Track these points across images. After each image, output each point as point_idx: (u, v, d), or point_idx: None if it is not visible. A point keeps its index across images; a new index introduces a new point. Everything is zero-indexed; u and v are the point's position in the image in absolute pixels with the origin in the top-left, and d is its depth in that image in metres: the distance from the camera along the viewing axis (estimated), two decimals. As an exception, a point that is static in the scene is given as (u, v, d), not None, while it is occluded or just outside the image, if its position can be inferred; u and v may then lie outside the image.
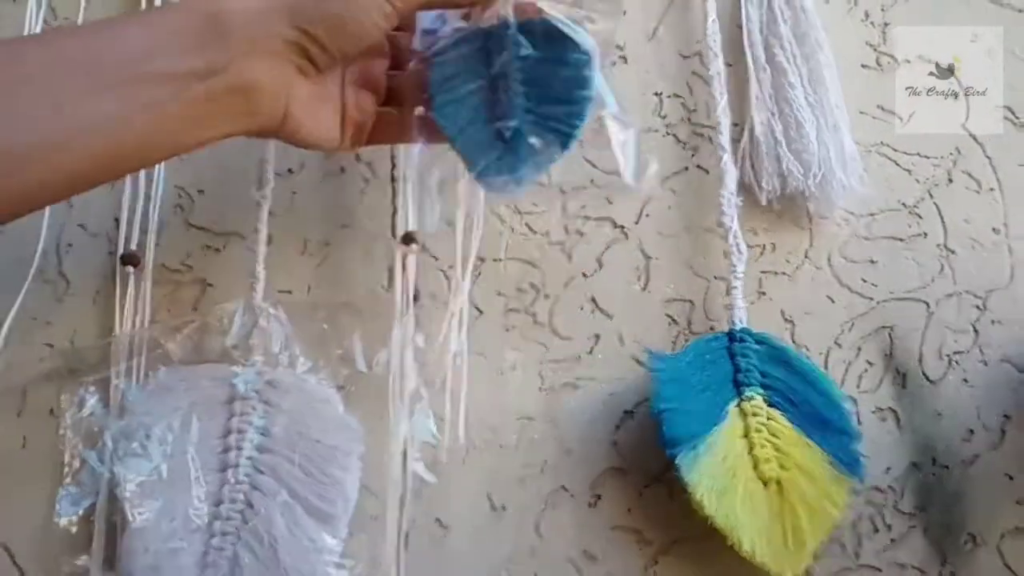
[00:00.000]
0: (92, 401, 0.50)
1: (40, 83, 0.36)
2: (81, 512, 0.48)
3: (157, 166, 0.55)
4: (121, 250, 0.53)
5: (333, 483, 0.46)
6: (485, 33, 0.46)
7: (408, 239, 0.53)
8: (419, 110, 0.47)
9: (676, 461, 0.46)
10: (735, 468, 0.47)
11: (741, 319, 0.51)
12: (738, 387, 0.49)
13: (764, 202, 0.55)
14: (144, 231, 0.54)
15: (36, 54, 0.37)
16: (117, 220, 0.55)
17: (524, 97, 0.45)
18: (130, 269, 0.53)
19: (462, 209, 0.52)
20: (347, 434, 0.48)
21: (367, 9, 0.41)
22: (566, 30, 0.45)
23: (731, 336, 0.51)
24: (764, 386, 0.49)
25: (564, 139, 0.45)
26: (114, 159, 0.39)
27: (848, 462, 0.47)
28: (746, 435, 0.48)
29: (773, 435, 0.48)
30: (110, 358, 0.50)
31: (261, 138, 0.46)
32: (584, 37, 0.45)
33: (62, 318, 0.53)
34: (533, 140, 0.45)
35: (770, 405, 0.49)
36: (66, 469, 0.49)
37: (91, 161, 0.38)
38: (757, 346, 0.50)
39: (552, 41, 0.45)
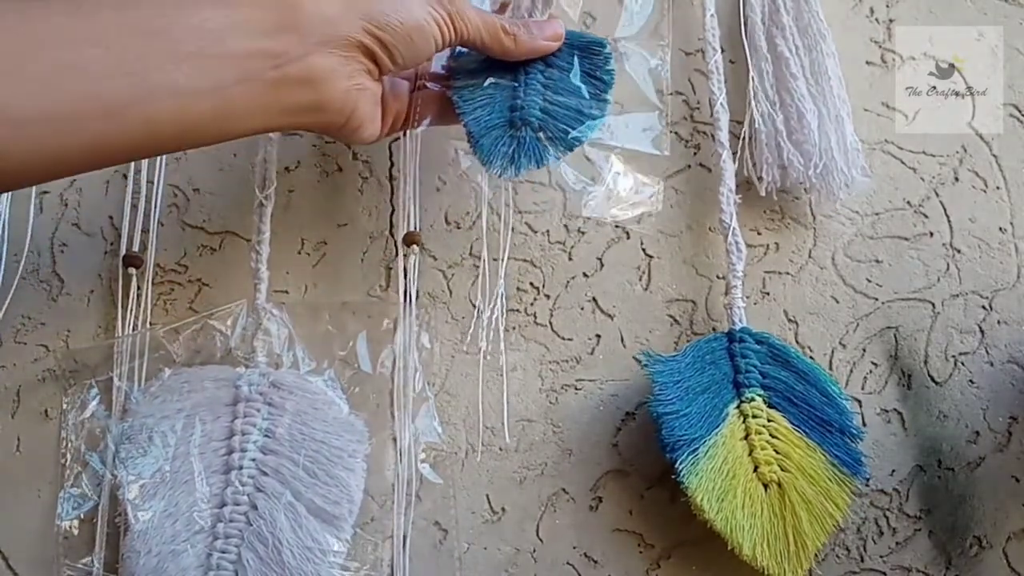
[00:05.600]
0: (94, 403, 0.51)
1: (111, 45, 0.37)
2: (83, 515, 0.49)
3: (157, 168, 0.56)
4: (123, 251, 0.54)
5: (338, 484, 0.47)
6: None
7: (410, 240, 0.53)
8: (432, 86, 0.51)
9: (676, 465, 0.47)
10: (735, 471, 0.48)
11: (741, 319, 0.52)
12: (738, 388, 0.50)
13: (763, 193, 0.56)
14: (143, 231, 0.55)
15: (111, 16, 0.38)
16: (112, 219, 0.56)
17: (542, 97, 0.49)
18: (132, 270, 0.53)
19: (484, 208, 0.56)
20: (352, 435, 0.49)
21: (430, 26, 0.44)
22: (597, 47, 0.51)
23: (731, 336, 0.51)
24: (764, 387, 0.50)
25: (570, 144, 0.49)
26: (172, 133, 0.39)
27: (850, 462, 0.49)
28: (746, 437, 0.49)
29: (774, 437, 0.49)
30: (112, 359, 0.51)
31: (316, 133, 0.47)
32: (612, 60, 0.51)
33: (56, 318, 0.54)
34: (541, 135, 0.48)
35: (770, 406, 0.50)
36: (67, 472, 0.50)
37: (147, 129, 0.38)
38: (757, 346, 0.51)
39: (582, 55, 0.51)
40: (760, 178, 0.56)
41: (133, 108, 0.37)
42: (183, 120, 0.39)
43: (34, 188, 0.56)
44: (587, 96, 0.50)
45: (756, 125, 0.57)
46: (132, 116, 0.37)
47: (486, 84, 0.50)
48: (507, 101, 0.49)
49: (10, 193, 0.55)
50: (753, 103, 0.57)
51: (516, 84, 0.50)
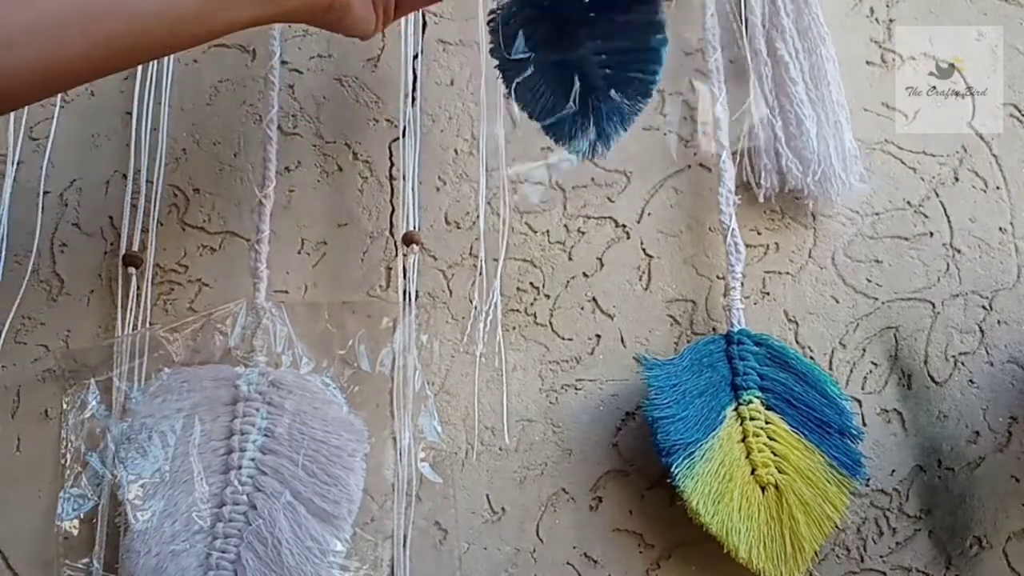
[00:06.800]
0: (94, 403, 0.51)
1: None
2: (82, 515, 0.49)
3: (157, 168, 0.56)
4: (123, 251, 0.54)
5: (337, 483, 0.47)
6: None
7: (409, 239, 0.53)
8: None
9: (671, 469, 0.47)
10: (732, 474, 0.48)
11: (739, 320, 0.52)
12: (736, 390, 0.50)
13: (762, 199, 0.56)
14: (143, 231, 0.55)
15: None
16: (112, 219, 0.56)
17: (596, 50, 0.46)
18: (131, 270, 0.53)
19: (482, 208, 0.55)
20: (351, 434, 0.49)
21: None
22: None
23: (728, 338, 0.51)
24: (763, 388, 0.50)
25: (645, 87, 0.46)
26: (158, 33, 0.38)
27: (848, 463, 0.49)
28: (744, 439, 0.49)
29: (771, 439, 0.49)
30: (112, 359, 0.51)
31: (298, 23, 0.45)
32: None
33: (56, 318, 0.54)
34: (613, 94, 0.45)
35: (768, 408, 0.50)
36: (68, 471, 0.50)
37: (133, 31, 0.37)
38: (755, 347, 0.51)
39: None
40: (759, 184, 0.56)
41: (120, 9, 0.37)
42: (168, 18, 0.38)
43: (36, 188, 0.56)
44: (641, 25, 0.45)
45: (755, 130, 0.56)
46: (120, 17, 0.37)
47: (536, 63, 0.46)
48: (566, 72, 0.45)
49: (10, 194, 0.55)
50: (752, 108, 0.57)
51: (565, 45, 0.45)
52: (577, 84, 0.45)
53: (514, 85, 0.47)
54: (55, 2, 0.36)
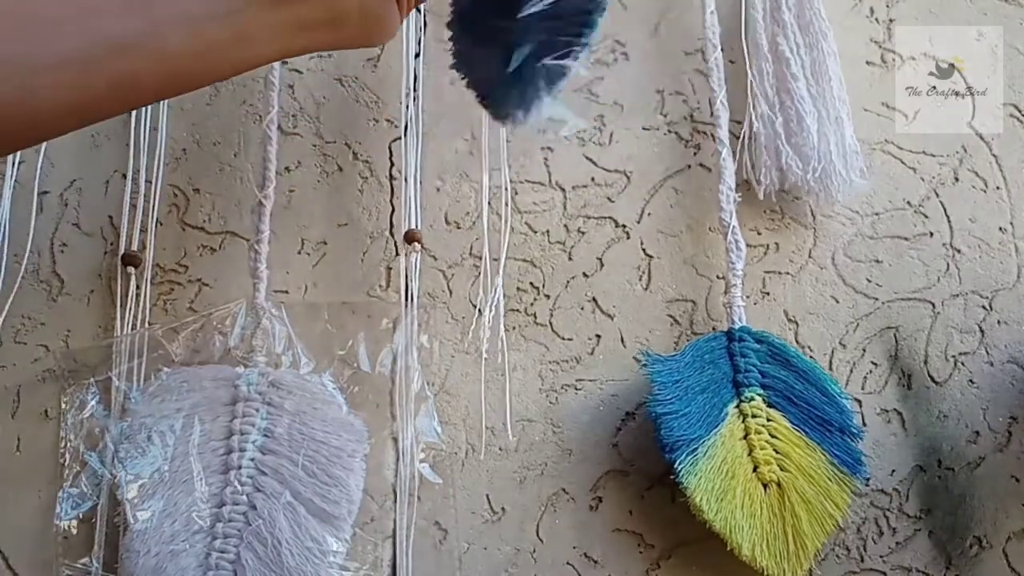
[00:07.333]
0: (93, 402, 0.51)
1: None
2: (81, 514, 0.49)
3: (157, 168, 0.56)
4: (122, 250, 0.54)
5: (337, 484, 0.47)
6: None
7: (410, 238, 0.53)
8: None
9: (674, 465, 0.47)
10: (734, 471, 0.48)
11: (740, 318, 0.52)
12: (737, 388, 0.50)
13: (762, 196, 0.56)
14: (143, 231, 0.55)
15: None
16: (112, 219, 0.56)
17: (540, 19, 0.44)
18: (131, 270, 0.53)
19: (484, 208, 0.54)
20: (351, 434, 0.49)
21: None
22: None
23: (730, 335, 0.51)
24: (764, 386, 0.50)
25: (571, 50, 0.44)
26: (191, 65, 0.38)
27: (849, 462, 0.49)
28: (746, 437, 0.49)
29: (773, 436, 0.49)
30: (111, 359, 0.51)
31: (341, 48, 0.44)
32: None
33: (56, 318, 0.54)
34: (544, 60, 0.44)
35: (770, 405, 0.50)
36: (66, 471, 0.50)
37: (164, 63, 0.37)
38: (757, 345, 0.51)
39: None
40: (759, 181, 0.56)
41: (147, 43, 0.36)
42: (200, 51, 0.37)
43: (35, 188, 0.56)
44: None
45: (755, 127, 0.56)
46: (148, 51, 0.36)
47: (479, 33, 0.45)
48: (504, 39, 0.44)
49: (11, 193, 0.55)
50: (752, 104, 0.57)
51: (510, 13, 0.43)
52: (511, 51, 0.44)
53: (457, 55, 0.46)
54: (81, 36, 0.36)
